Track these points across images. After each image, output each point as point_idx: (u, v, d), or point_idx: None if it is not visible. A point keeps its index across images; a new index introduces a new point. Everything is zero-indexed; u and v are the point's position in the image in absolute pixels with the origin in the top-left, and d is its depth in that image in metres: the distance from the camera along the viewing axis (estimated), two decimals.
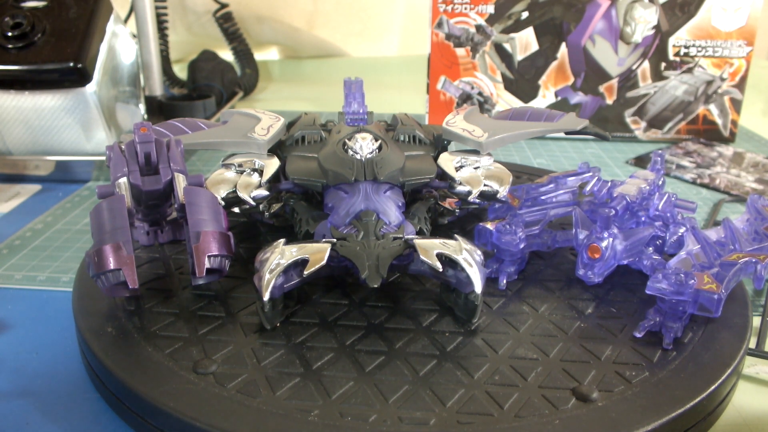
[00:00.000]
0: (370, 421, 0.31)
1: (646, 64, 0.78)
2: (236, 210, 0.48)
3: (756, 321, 0.43)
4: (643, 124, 0.81)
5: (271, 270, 0.37)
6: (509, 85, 0.81)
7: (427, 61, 0.81)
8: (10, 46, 0.62)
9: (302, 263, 0.37)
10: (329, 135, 0.48)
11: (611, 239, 0.42)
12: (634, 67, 0.78)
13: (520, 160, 0.75)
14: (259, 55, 1.12)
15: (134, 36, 0.73)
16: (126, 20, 0.84)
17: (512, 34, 0.79)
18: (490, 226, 0.43)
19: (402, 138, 0.48)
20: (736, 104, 0.79)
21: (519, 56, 0.79)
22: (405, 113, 0.52)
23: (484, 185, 0.45)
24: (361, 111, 0.49)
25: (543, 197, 0.50)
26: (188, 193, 0.39)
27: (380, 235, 0.39)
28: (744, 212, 0.50)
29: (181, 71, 1.01)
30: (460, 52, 0.79)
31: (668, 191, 0.48)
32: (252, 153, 0.46)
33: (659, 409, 0.32)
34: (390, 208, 0.41)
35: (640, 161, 0.74)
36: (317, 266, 0.37)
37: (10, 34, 0.62)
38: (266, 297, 0.36)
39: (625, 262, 0.43)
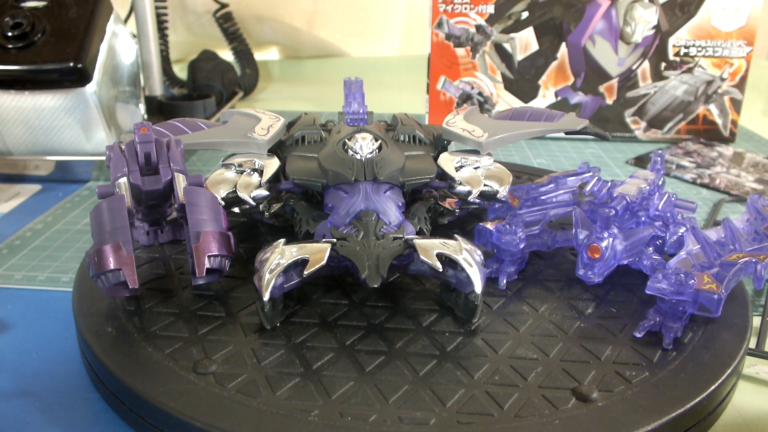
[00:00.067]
0: (370, 421, 0.31)
1: (646, 64, 0.78)
2: (236, 210, 0.48)
3: (756, 321, 0.43)
4: (643, 124, 0.81)
5: (271, 270, 0.37)
6: (509, 85, 0.81)
7: (427, 61, 0.81)
8: (10, 46, 0.62)
9: (302, 263, 0.37)
10: (329, 135, 0.48)
11: (611, 239, 0.42)
12: (634, 67, 0.78)
13: (520, 160, 0.75)
14: (259, 55, 1.12)
15: (134, 36, 0.73)
16: (126, 20, 0.84)
17: (512, 34, 0.79)
18: (490, 226, 0.43)
19: (402, 138, 0.48)
20: (736, 104, 0.79)
21: (519, 56, 0.79)
22: (405, 113, 0.52)
23: (484, 185, 0.45)
24: (361, 111, 0.49)
25: (543, 197, 0.50)
26: (188, 193, 0.39)
27: (380, 235, 0.39)
28: (744, 212, 0.50)
29: (181, 71, 1.01)
30: (460, 52, 0.79)
31: (668, 191, 0.48)
32: (252, 153, 0.46)
33: (659, 409, 0.32)
34: (390, 208, 0.41)
35: (640, 161, 0.74)
36: (317, 266, 0.37)
37: (10, 34, 0.62)
38: (266, 297, 0.36)
39: (625, 262, 0.43)
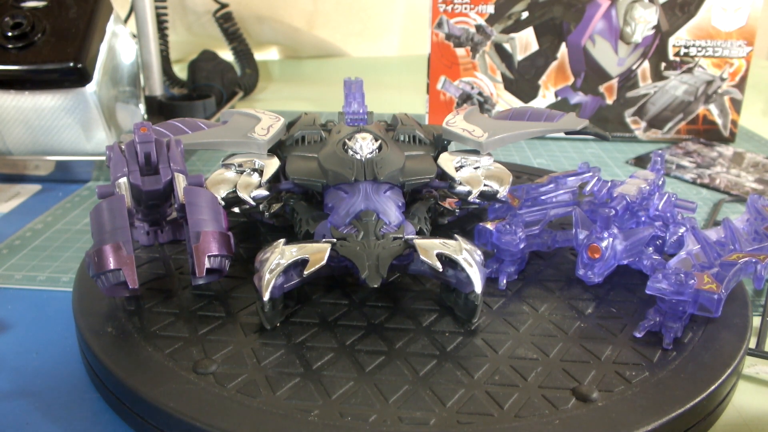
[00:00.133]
0: (370, 421, 0.31)
1: (646, 64, 0.78)
2: (236, 210, 0.48)
3: (756, 321, 0.43)
4: (643, 124, 0.81)
5: (271, 270, 0.37)
6: (509, 85, 0.81)
7: (427, 61, 0.81)
8: (10, 46, 0.62)
9: (302, 263, 0.37)
10: (329, 135, 0.48)
11: (611, 239, 0.42)
12: (634, 67, 0.78)
13: (520, 160, 0.75)
14: (259, 55, 1.12)
15: (134, 36, 0.73)
16: (126, 20, 0.84)
17: (512, 34, 0.79)
18: (490, 226, 0.43)
19: (402, 138, 0.48)
20: (736, 104, 0.79)
21: (519, 56, 0.79)
22: (405, 113, 0.52)
23: (484, 185, 0.45)
24: (361, 111, 0.49)
25: (543, 197, 0.50)
26: (188, 193, 0.39)
27: (380, 235, 0.39)
28: (744, 212, 0.50)
29: (181, 71, 1.01)
30: (460, 52, 0.79)
31: (668, 191, 0.48)
32: (252, 153, 0.46)
33: (659, 409, 0.32)
34: (390, 208, 0.41)
35: (640, 161, 0.74)
36: (317, 266, 0.37)
37: (10, 34, 0.62)
38: (266, 297, 0.36)
39: (625, 262, 0.43)
